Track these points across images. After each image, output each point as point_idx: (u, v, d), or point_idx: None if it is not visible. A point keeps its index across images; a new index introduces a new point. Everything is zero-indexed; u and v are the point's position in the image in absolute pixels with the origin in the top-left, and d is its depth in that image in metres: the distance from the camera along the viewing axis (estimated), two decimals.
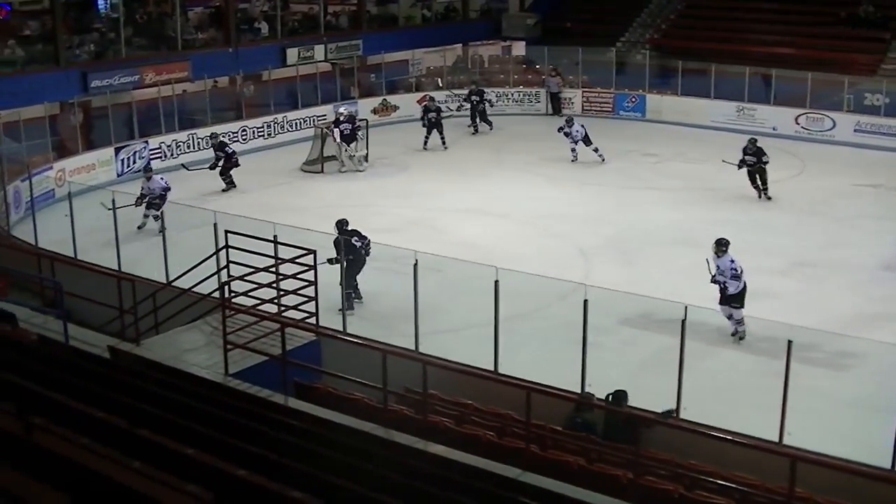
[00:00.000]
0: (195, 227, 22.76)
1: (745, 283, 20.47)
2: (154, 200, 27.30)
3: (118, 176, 33.39)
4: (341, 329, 19.53)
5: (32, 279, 22.04)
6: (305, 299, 19.26)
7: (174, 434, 9.34)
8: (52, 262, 21.84)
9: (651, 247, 26.13)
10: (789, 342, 15.07)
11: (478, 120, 41.38)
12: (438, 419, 15.21)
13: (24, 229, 26.33)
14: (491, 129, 41.34)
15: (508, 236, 27.62)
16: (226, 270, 19.81)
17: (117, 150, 34.21)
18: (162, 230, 24.66)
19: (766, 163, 30.48)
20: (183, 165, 33.58)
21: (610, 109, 44.47)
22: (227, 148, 33.05)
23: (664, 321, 18.63)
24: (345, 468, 9.21)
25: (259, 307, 18.99)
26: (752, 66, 41.14)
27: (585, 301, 16.72)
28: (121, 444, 8.77)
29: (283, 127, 39.75)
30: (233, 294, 19.12)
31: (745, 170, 30.72)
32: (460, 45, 50.51)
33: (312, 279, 19.10)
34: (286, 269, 19.43)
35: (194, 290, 20.16)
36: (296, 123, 40.04)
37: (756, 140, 30.91)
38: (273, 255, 19.52)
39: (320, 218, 26.86)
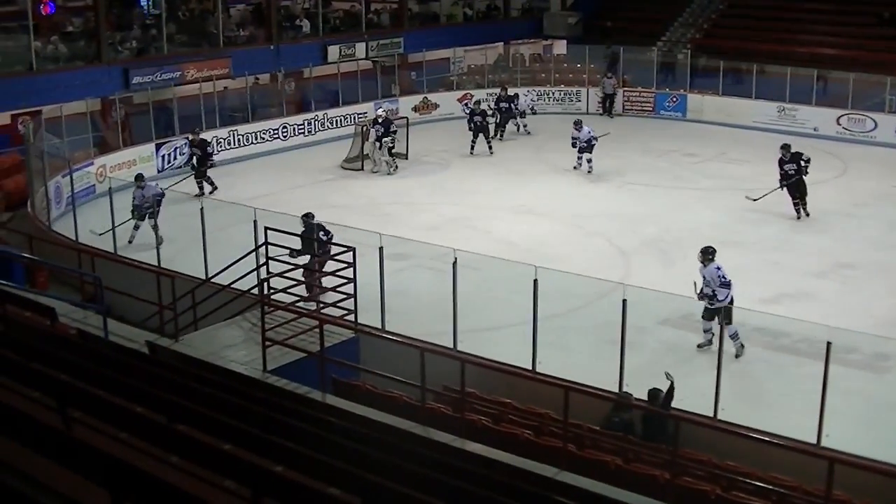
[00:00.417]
0: (234, 224, 22.88)
1: (732, 297, 19.32)
2: (148, 209, 26.07)
3: (158, 172, 33.49)
4: (380, 326, 19.54)
5: (73, 274, 22.18)
6: (344, 296, 19.30)
7: (212, 430, 9.37)
8: (92, 258, 21.94)
9: (691, 247, 25.76)
10: (828, 344, 14.98)
11: (517, 124, 40.18)
12: (476, 417, 15.21)
13: (65, 224, 26.45)
14: (520, 130, 40.44)
15: (548, 235, 27.54)
16: (265, 267, 19.90)
17: (158, 147, 34.35)
18: (159, 243, 24.51)
19: (808, 167, 28.42)
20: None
21: (651, 109, 44.34)
22: (208, 147, 32.14)
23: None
24: (382, 465, 9.21)
25: (298, 304, 19.03)
26: (793, 66, 40.91)
27: (624, 301, 16.70)
28: (159, 439, 8.80)
29: (323, 124, 39.78)
30: (272, 291, 19.18)
31: (781, 185, 28.81)
32: (501, 43, 50.52)
33: (351, 276, 19.14)
34: (325, 266, 19.50)
35: (233, 286, 20.25)
36: (336, 121, 40.08)
37: (790, 145, 29.05)
38: (312, 251, 19.58)
39: (360, 215, 26.98)
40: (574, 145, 34.24)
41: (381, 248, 19.51)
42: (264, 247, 20.16)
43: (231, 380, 14.08)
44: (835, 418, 15.22)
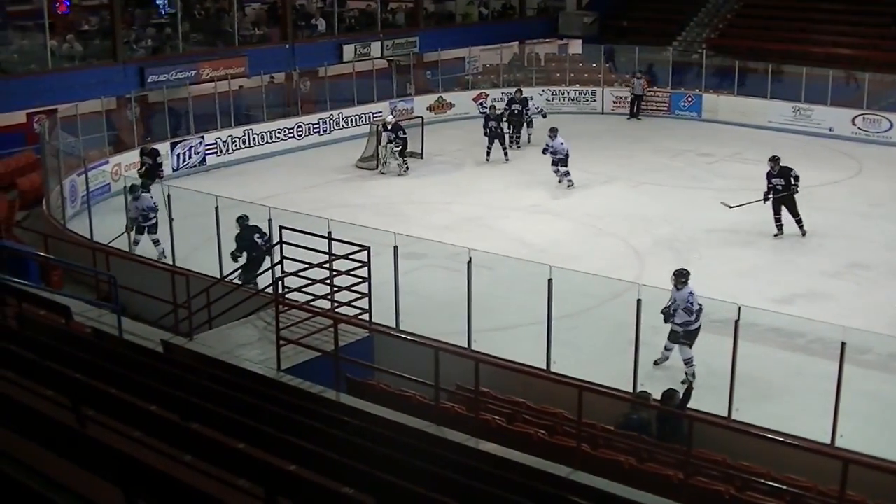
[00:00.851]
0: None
1: (699, 326, 18.50)
2: (143, 223, 24.89)
3: (174, 171, 33.61)
4: (394, 326, 19.54)
5: (88, 273, 22.21)
6: (359, 296, 19.31)
7: (226, 429, 9.39)
8: (106, 256, 21.99)
9: (706, 247, 25.94)
10: (843, 344, 14.95)
11: (523, 130, 38.54)
12: (490, 417, 15.21)
13: (80, 223, 26.49)
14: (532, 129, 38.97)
15: (563, 235, 27.53)
16: (280, 266, 19.91)
17: (173, 146, 34.44)
18: (162, 258, 24.17)
19: (797, 185, 26.60)
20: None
21: (666, 109, 44.31)
22: (158, 157, 31.63)
23: (718, 322, 18.51)
24: (396, 465, 9.22)
25: (312, 303, 19.04)
26: (809, 66, 40.85)
27: (639, 300, 16.69)
28: (173, 438, 8.83)
29: (338, 123, 39.83)
30: (286, 290, 19.19)
31: (764, 198, 27.10)
32: (517, 42, 50.58)
33: (366, 276, 19.15)
34: (340, 265, 19.49)
35: (247, 285, 20.29)
36: (352, 120, 40.14)
37: (779, 158, 27.11)
38: (327, 251, 19.58)
39: (374, 214, 27.00)
40: (545, 152, 32.81)
41: (395, 248, 19.51)
42: (279, 246, 20.19)
43: (245, 379, 14.11)
44: (849, 419, 15.19)
